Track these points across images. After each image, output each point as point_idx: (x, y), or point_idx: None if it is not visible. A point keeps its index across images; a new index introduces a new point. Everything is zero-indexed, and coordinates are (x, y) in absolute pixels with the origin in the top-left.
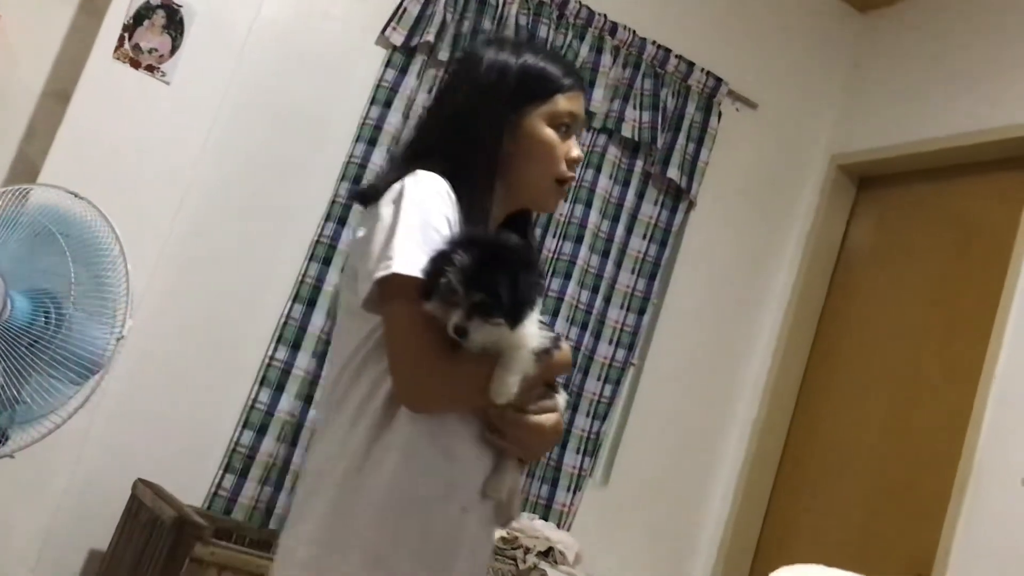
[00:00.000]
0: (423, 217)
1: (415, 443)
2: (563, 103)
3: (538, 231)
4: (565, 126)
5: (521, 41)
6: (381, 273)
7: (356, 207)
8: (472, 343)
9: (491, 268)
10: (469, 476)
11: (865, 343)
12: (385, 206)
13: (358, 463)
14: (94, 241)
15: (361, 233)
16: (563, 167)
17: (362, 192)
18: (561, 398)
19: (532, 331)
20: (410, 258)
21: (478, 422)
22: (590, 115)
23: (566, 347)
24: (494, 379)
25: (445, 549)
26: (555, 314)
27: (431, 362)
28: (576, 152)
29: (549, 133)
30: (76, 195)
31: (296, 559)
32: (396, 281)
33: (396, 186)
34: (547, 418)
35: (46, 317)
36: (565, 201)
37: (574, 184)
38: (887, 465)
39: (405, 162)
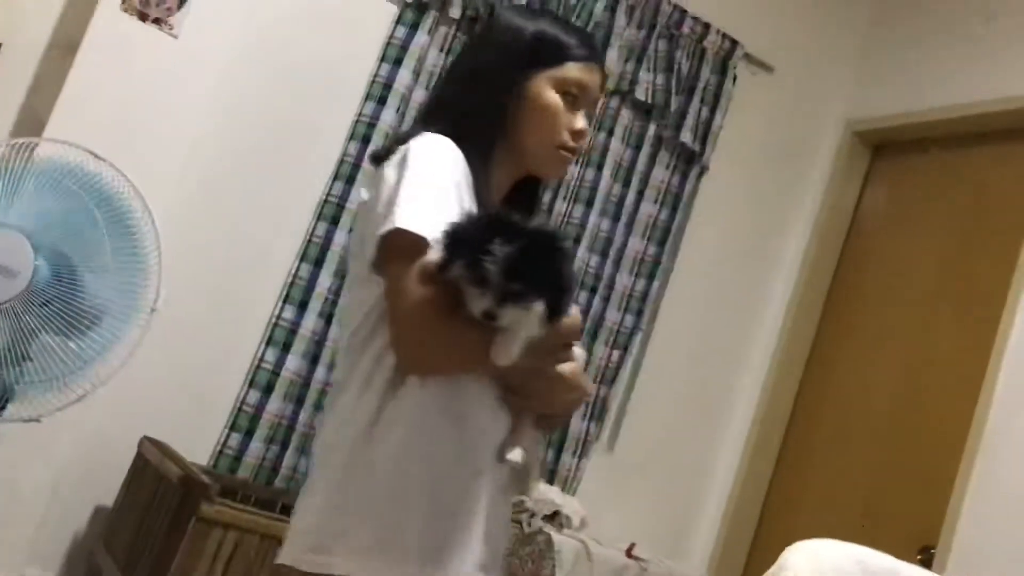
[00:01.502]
0: (427, 178)
1: (424, 410)
2: (573, 71)
3: (548, 194)
4: (572, 96)
5: (544, 11)
6: (384, 229)
7: (366, 167)
8: (499, 324)
9: (534, 260)
10: (483, 441)
11: (877, 311)
12: (390, 168)
13: (366, 433)
14: (121, 209)
15: (365, 196)
16: (564, 135)
17: (375, 154)
18: (579, 351)
19: None
20: (414, 215)
21: (495, 387)
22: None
23: (575, 311)
24: (496, 340)
25: (459, 515)
26: None
27: (432, 322)
28: (580, 123)
29: (554, 98)
30: (97, 156)
31: (308, 529)
32: (399, 238)
33: (402, 148)
34: (567, 367)
35: (66, 279)
36: (578, 165)
37: (583, 149)
38: (896, 434)
39: (417, 124)
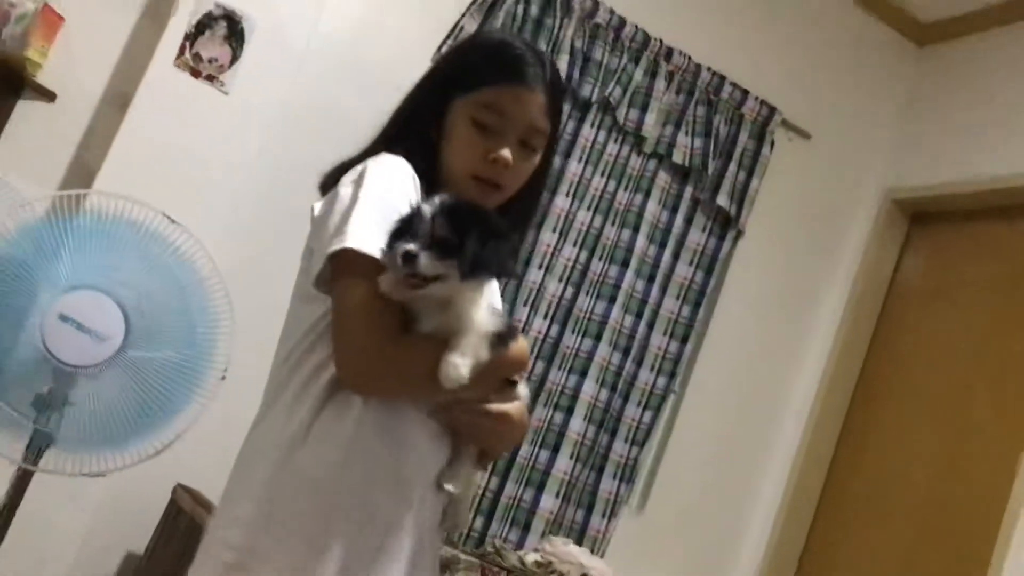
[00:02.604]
0: (382, 196)
1: (361, 430)
2: (489, 96)
3: (584, 254)
4: (490, 122)
5: (493, 32)
6: (334, 247)
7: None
8: (417, 282)
9: (467, 219)
10: (421, 467)
11: (914, 381)
12: (344, 186)
13: (296, 445)
14: (195, 272)
15: (317, 212)
16: (476, 164)
17: (323, 182)
18: (523, 389)
19: (485, 315)
20: (365, 235)
21: (437, 417)
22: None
23: (523, 340)
24: (443, 361)
25: (386, 545)
26: (598, 338)
27: (379, 341)
28: (498, 153)
29: (463, 127)
30: (172, 219)
31: (228, 542)
32: (349, 257)
33: (358, 167)
34: (510, 405)
35: (145, 344)
36: (614, 225)
37: (504, 180)
38: (932, 505)
39: (370, 147)
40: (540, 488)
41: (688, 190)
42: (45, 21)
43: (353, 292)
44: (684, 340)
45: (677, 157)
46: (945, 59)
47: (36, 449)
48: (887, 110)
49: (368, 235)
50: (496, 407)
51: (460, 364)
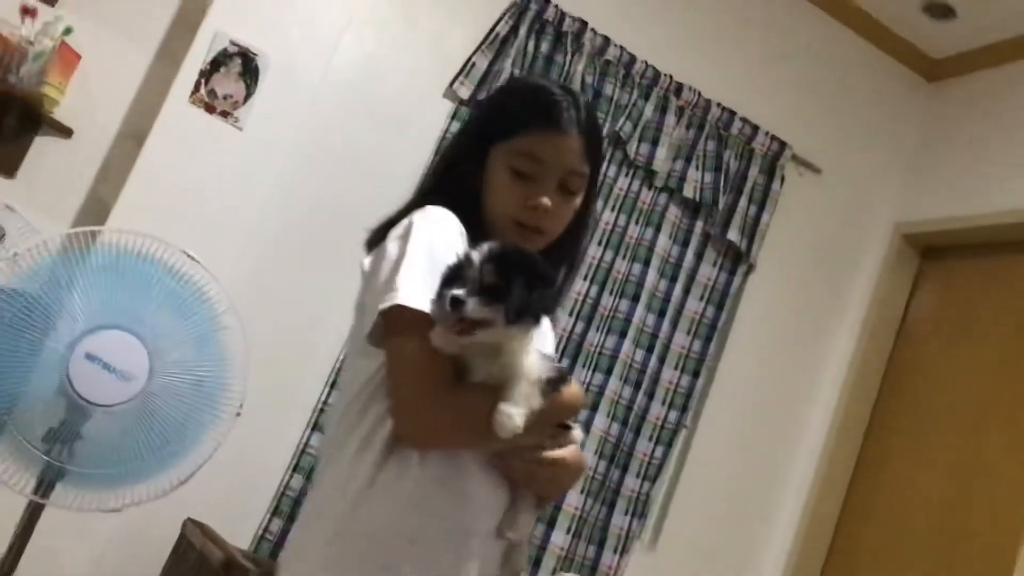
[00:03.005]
0: (429, 250)
1: (422, 482)
2: (524, 144)
3: (595, 288)
4: (527, 169)
5: (528, 77)
6: (385, 304)
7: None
8: (465, 328)
9: (514, 265)
10: (481, 518)
11: (925, 418)
12: (392, 241)
13: (359, 500)
14: (212, 310)
15: (367, 267)
16: (516, 211)
17: (369, 238)
18: (577, 432)
19: (535, 361)
20: (415, 291)
21: (495, 466)
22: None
23: (576, 385)
24: (497, 411)
25: None
26: (608, 372)
27: (434, 394)
28: (537, 199)
29: (502, 174)
30: (192, 257)
31: None
32: (400, 313)
33: (404, 221)
34: (565, 451)
35: (167, 382)
36: (624, 259)
37: (546, 225)
38: (944, 546)
39: (413, 201)
40: (551, 524)
41: (699, 224)
42: (62, 58)
43: (405, 347)
44: (695, 374)
45: (688, 191)
46: (955, 94)
47: (48, 482)
48: (897, 145)
49: (417, 289)
50: (551, 453)
51: (514, 413)
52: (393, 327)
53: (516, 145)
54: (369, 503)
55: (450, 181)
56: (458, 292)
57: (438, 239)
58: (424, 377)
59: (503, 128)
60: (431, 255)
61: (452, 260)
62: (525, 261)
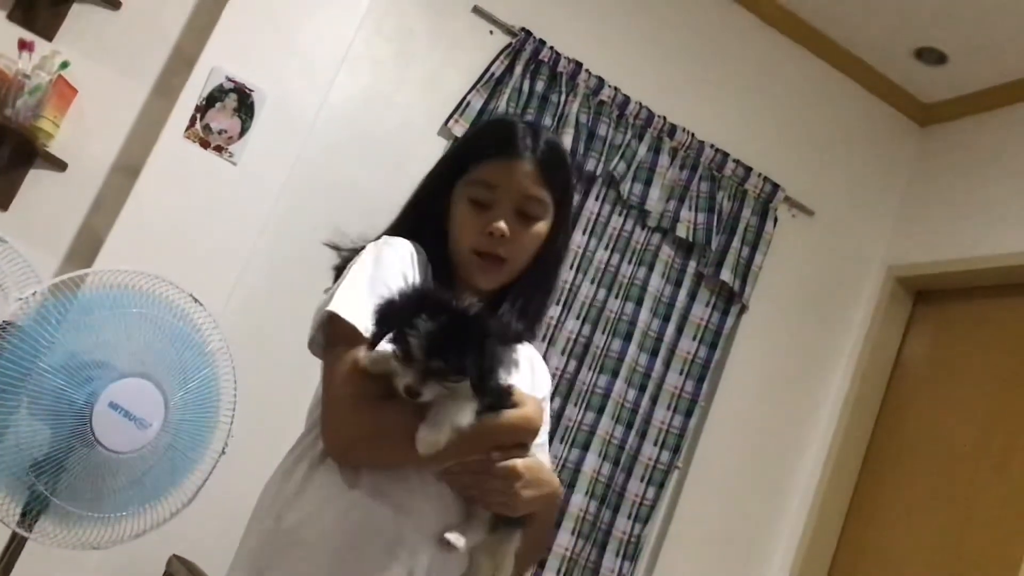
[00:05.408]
0: (375, 271)
1: (348, 492)
2: (479, 172)
3: (587, 327)
4: (484, 197)
5: (497, 115)
6: (319, 313)
7: None
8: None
9: (454, 337)
10: (421, 534)
11: (918, 462)
12: (351, 265)
13: (289, 506)
14: (206, 351)
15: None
16: (474, 239)
17: (337, 265)
18: (543, 456)
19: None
20: (349, 304)
21: (444, 481)
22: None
23: (529, 408)
24: (421, 428)
25: None
26: (600, 411)
27: (355, 409)
28: (494, 225)
29: (461, 206)
30: (196, 300)
31: None
32: (333, 325)
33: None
34: (518, 460)
35: (174, 428)
36: (617, 298)
37: (502, 250)
38: None
39: (381, 235)
40: (541, 565)
41: (692, 264)
42: (59, 92)
43: (335, 359)
44: (688, 414)
45: (681, 231)
46: (947, 139)
47: (32, 513)
48: (890, 188)
49: (352, 303)
50: (503, 463)
51: (438, 431)
52: (328, 338)
53: (473, 175)
54: (296, 510)
55: (417, 220)
56: (409, 381)
57: (385, 261)
58: (349, 391)
59: (464, 163)
60: (375, 276)
61: (398, 284)
62: (465, 327)
